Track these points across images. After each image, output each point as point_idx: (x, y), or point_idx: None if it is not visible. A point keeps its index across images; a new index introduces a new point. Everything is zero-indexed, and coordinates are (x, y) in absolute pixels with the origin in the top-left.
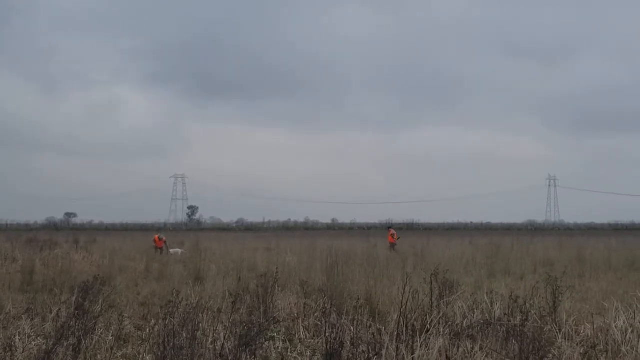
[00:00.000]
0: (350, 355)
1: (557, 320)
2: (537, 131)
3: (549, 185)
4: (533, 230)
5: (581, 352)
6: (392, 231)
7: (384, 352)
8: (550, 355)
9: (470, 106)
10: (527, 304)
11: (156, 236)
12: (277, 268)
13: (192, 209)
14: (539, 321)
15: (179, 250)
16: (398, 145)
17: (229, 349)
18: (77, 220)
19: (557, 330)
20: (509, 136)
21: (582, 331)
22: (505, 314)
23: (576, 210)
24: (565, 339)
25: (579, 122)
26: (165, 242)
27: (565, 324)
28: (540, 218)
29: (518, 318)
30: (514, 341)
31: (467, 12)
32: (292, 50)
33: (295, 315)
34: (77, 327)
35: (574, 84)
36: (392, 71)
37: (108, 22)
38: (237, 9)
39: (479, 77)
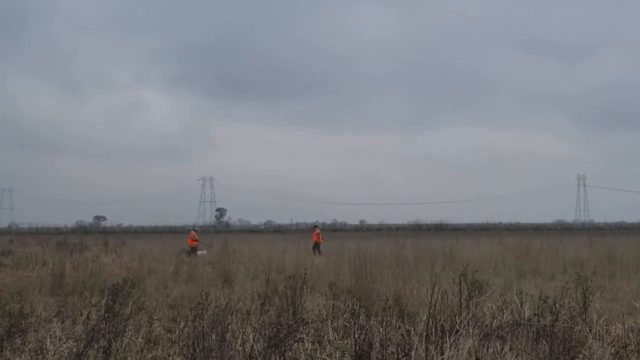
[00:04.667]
0: (380, 356)
1: (587, 320)
2: (563, 130)
3: (579, 185)
4: (562, 229)
5: (612, 352)
6: (317, 230)
7: (413, 353)
8: (581, 356)
9: (494, 105)
10: (557, 304)
11: (194, 232)
12: (305, 270)
13: (221, 211)
14: (569, 321)
15: (202, 252)
16: (423, 145)
17: (258, 350)
18: (107, 223)
19: (588, 331)
20: (535, 135)
21: (612, 331)
22: (535, 315)
23: (606, 209)
24: (595, 339)
25: (606, 119)
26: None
27: (596, 324)
28: (569, 217)
29: (548, 318)
30: (544, 341)
31: (488, 10)
32: (315, 51)
33: (324, 316)
34: (107, 330)
35: (599, 81)
36: (414, 70)
37: (129, 25)
38: (259, 10)
39: (502, 76)
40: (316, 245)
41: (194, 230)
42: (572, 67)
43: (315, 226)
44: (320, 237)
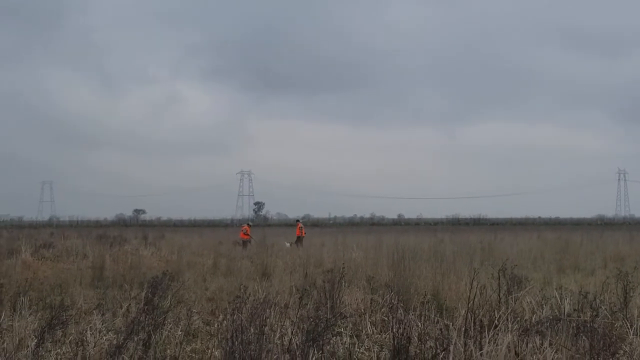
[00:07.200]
0: (418, 351)
1: (628, 316)
2: (603, 124)
3: (619, 179)
4: (603, 224)
5: None
6: (300, 225)
7: (451, 347)
8: (622, 352)
9: (533, 100)
10: (597, 300)
11: (246, 226)
12: (343, 264)
13: (259, 205)
14: (610, 317)
15: (287, 244)
16: (461, 139)
17: (296, 344)
18: (146, 216)
19: (629, 326)
20: (574, 130)
21: None
22: (575, 310)
23: None
24: (636, 335)
25: None
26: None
27: (637, 320)
28: (610, 212)
29: (588, 314)
30: (584, 337)
31: (527, 4)
32: (352, 44)
33: (362, 310)
34: (146, 322)
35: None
36: (452, 65)
37: (166, 18)
38: (296, 3)
39: (541, 71)
40: (299, 239)
41: (247, 224)
42: (611, 62)
43: (298, 221)
44: (303, 231)
